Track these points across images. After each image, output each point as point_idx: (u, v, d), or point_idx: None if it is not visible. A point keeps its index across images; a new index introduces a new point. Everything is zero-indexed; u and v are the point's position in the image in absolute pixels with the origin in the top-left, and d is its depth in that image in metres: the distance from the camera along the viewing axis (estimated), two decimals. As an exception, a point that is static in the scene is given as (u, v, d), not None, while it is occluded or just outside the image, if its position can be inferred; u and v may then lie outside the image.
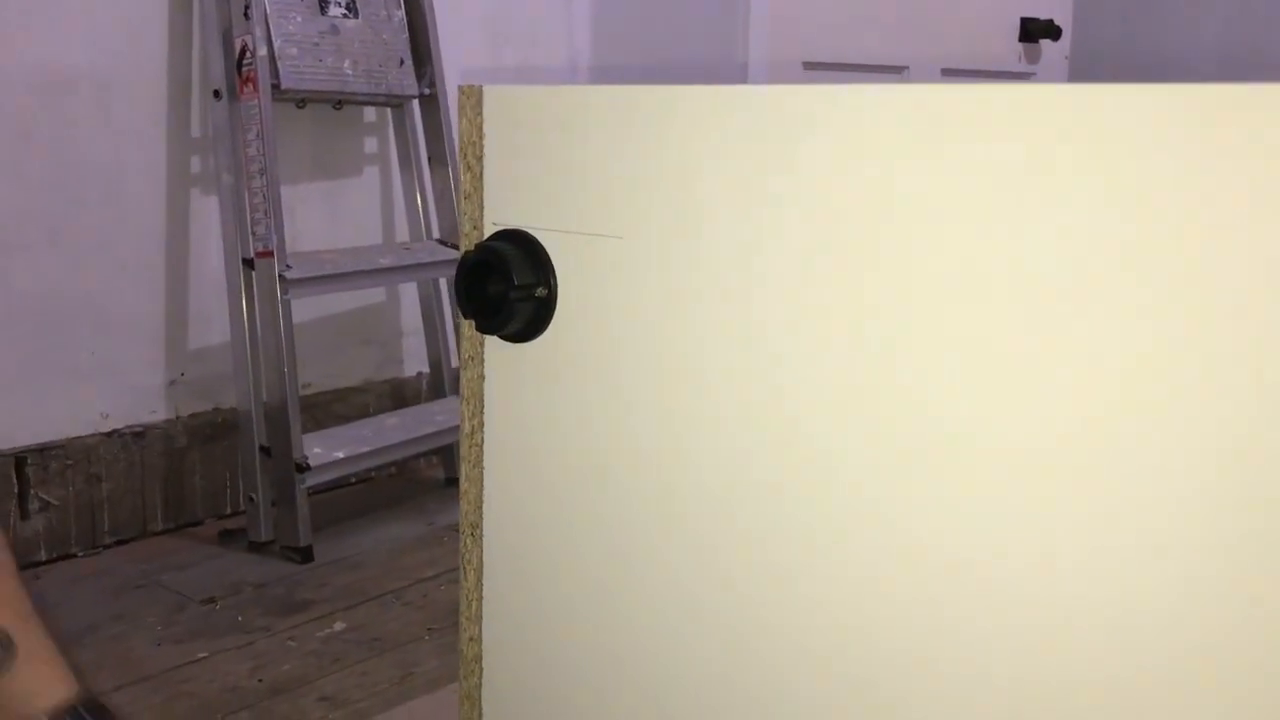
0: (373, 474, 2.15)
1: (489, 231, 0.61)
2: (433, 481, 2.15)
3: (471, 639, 0.69)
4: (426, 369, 2.20)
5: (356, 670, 1.38)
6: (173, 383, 1.87)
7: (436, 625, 1.51)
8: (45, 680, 0.61)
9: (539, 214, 0.59)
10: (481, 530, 0.67)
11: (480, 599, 0.68)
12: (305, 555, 1.75)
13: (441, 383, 2.12)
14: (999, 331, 0.45)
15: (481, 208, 0.61)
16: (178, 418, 1.88)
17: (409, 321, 2.20)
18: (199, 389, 1.90)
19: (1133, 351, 0.42)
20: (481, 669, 0.69)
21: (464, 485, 0.67)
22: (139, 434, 1.82)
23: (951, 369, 0.47)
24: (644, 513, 0.59)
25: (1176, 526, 0.42)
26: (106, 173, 1.75)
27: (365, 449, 1.87)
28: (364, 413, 2.12)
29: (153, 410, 1.85)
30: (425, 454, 2.10)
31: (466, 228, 0.62)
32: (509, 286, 0.57)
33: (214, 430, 1.91)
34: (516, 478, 0.64)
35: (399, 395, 2.22)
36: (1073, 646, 0.45)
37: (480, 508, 0.66)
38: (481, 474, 0.65)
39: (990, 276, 0.45)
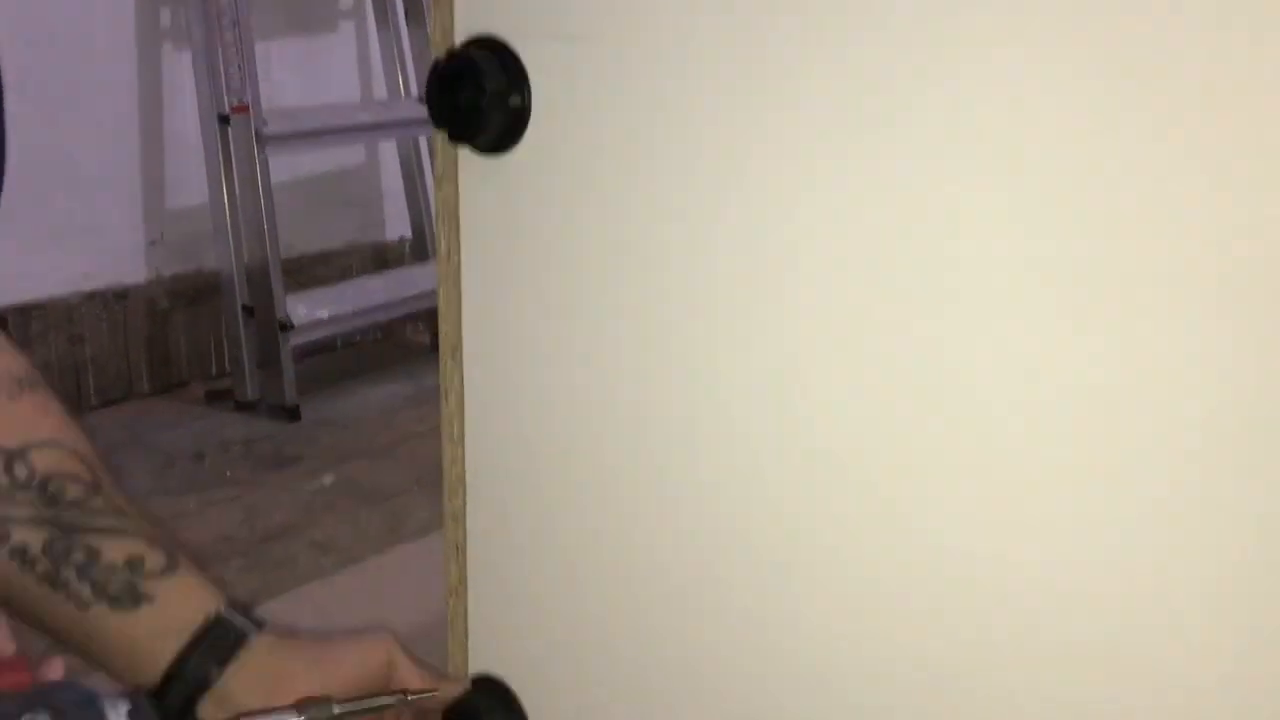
0: (358, 339, 2.16)
1: (460, 40, 0.60)
2: (419, 347, 2.16)
3: (454, 461, 0.70)
4: (409, 233, 2.19)
5: (347, 519, 1.41)
6: (152, 243, 1.86)
7: (426, 478, 1.53)
8: (203, 585, 0.64)
9: (512, 20, 0.58)
10: (461, 352, 0.67)
11: (462, 421, 0.68)
12: (292, 414, 1.77)
13: (424, 246, 2.11)
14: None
15: (452, 15, 0.60)
16: (159, 279, 1.87)
17: (390, 183, 2.18)
18: (179, 250, 1.89)
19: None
20: (465, 489, 0.70)
21: (442, 307, 0.67)
22: (120, 295, 1.82)
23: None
24: (626, 325, 0.59)
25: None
26: (73, 26, 1.71)
27: (348, 309, 1.88)
28: (346, 276, 2.11)
29: (133, 271, 1.84)
30: (410, 319, 2.11)
31: (437, 36, 0.60)
32: (481, 94, 0.56)
33: (196, 292, 1.90)
34: (495, 297, 0.64)
35: (381, 258, 2.21)
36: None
37: (459, 329, 0.66)
38: (459, 294, 0.65)
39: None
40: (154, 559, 0.61)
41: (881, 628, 0.53)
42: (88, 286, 1.78)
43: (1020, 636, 0.49)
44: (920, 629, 0.52)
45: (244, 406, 1.81)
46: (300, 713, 0.59)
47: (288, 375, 1.76)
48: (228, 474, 1.56)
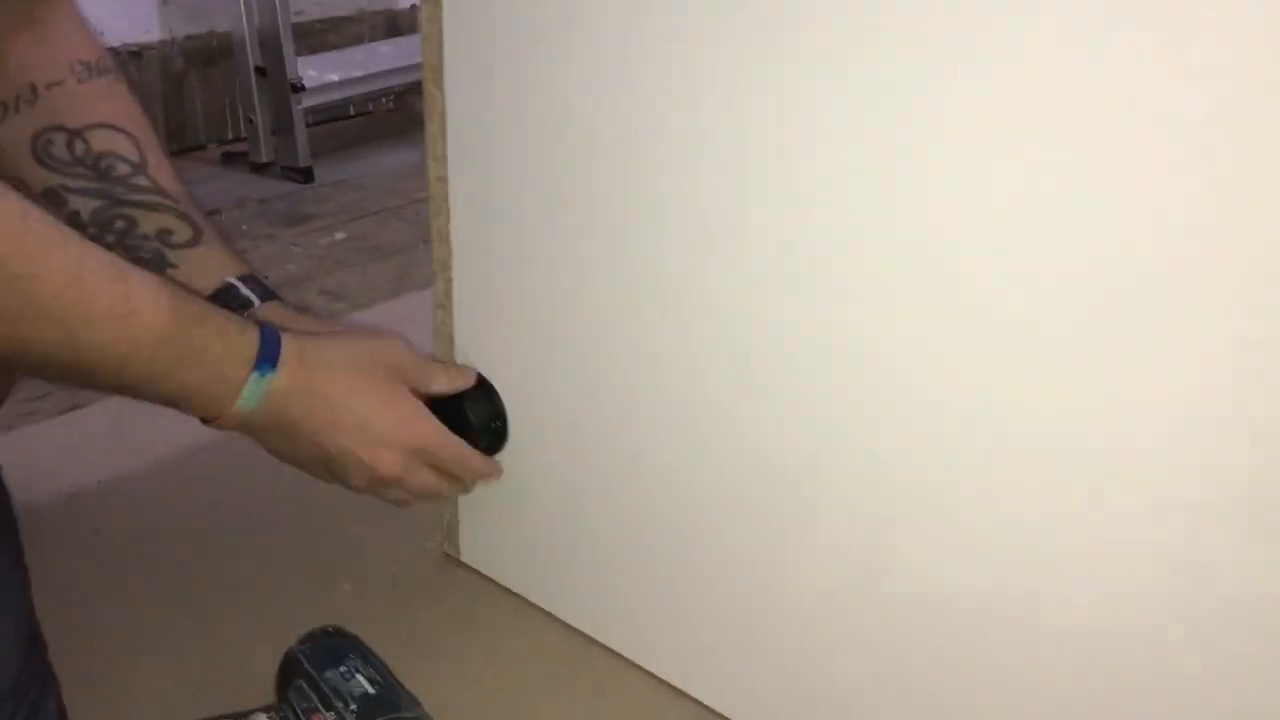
0: (371, 108, 2.18)
1: None
2: (430, 115, 2.18)
3: (439, 179, 0.75)
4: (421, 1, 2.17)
5: (356, 271, 1.48)
6: (165, 2, 1.87)
7: (430, 238, 1.59)
8: (224, 258, 0.74)
9: None
10: (443, 74, 0.71)
11: (444, 141, 0.73)
12: (306, 175, 1.81)
13: (436, 13, 2.10)
14: None
15: None
16: (173, 39, 1.89)
17: (401, -52, 2.17)
18: (191, 10, 1.90)
19: None
20: (449, 209, 0.75)
21: (425, 28, 0.71)
22: (135, 54, 1.84)
23: None
24: (609, 47, 0.63)
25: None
26: None
27: (359, 73, 1.90)
28: (358, 42, 2.12)
29: (147, 30, 1.86)
30: (420, 86, 2.12)
31: None
32: None
33: (210, 53, 1.92)
34: (477, 19, 0.68)
35: (393, 26, 2.21)
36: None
37: (440, 51, 0.71)
38: (441, 14, 0.69)
39: None
40: (182, 232, 0.71)
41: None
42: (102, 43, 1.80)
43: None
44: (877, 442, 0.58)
45: (259, 168, 1.86)
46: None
47: (300, 137, 1.80)
48: (244, 228, 1.62)
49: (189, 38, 1.91)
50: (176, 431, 0.99)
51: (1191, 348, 0.46)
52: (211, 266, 0.72)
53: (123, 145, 0.72)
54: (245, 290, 0.72)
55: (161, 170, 0.73)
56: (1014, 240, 0.50)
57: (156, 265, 0.70)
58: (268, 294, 0.73)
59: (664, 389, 0.67)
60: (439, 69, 0.71)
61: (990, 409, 0.53)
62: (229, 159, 1.91)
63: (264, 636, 0.77)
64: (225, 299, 0.71)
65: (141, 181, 0.72)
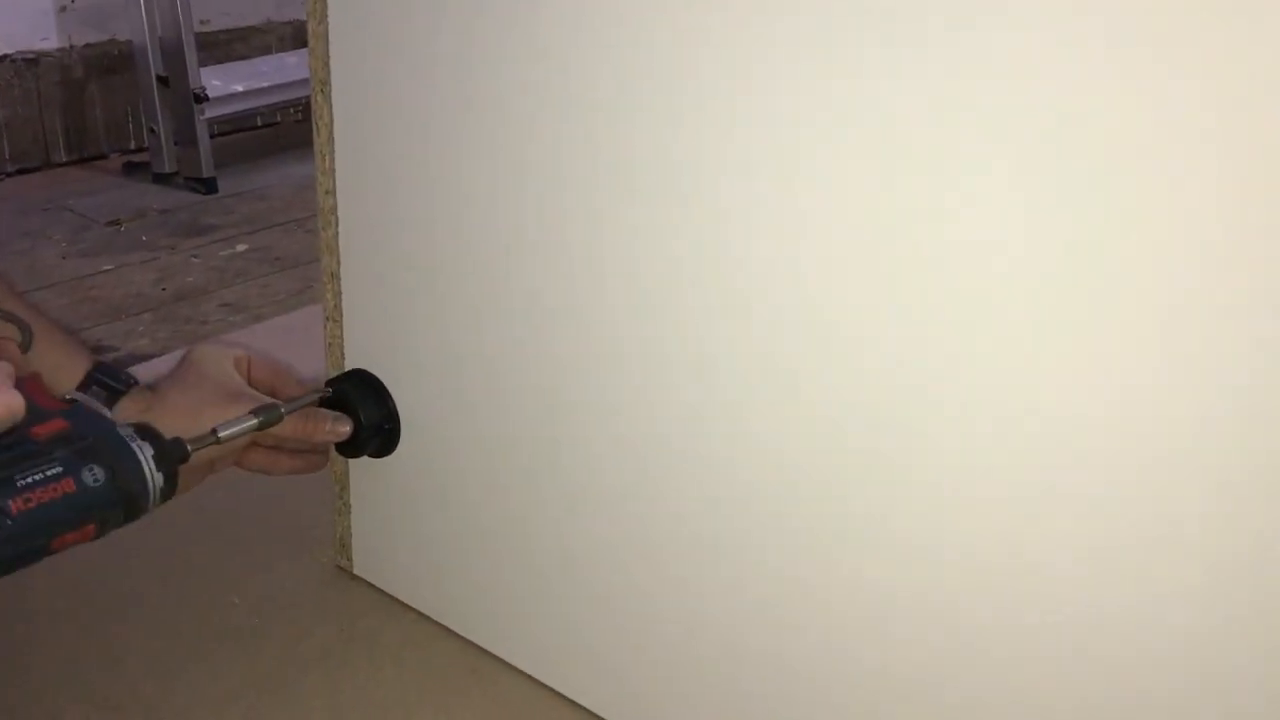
0: (278, 119, 2.16)
1: None
2: (339, 126, 2.17)
3: (327, 192, 0.75)
4: (330, 11, 2.16)
5: (258, 283, 1.46)
6: (63, 9, 1.84)
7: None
8: (64, 357, 0.67)
9: None
10: (330, 87, 0.71)
11: (333, 154, 0.74)
12: (209, 186, 1.79)
13: (344, 24, 2.09)
14: None
15: None
16: (71, 47, 1.86)
17: (309, -41, 2.15)
18: (91, 18, 1.87)
19: None
20: (337, 219, 0.75)
21: (311, 43, 0.71)
22: (32, 60, 1.80)
23: None
24: (487, 55, 0.63)
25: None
26: None
27: (266, 84, 1.88)
28: (266, 52, 2.10)
29: (44, 38, 1.82)
30: (330, 97, 2.10)
31: None
32: None
33: (110, 61, 1.89)
34: (365, 33, 0.68)
35: (301, 37, 2.18)
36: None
37: (327, 64, 0.71)
38: (327, 30, 0.70)
39: None
40: (8, 334, 0.63)
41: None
42: (-2, 50, 1.77)
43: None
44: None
45: (161, 178, 1.83)
46: (255, 415, 0.68)
47: (204, 147, 1.78)
48: (143, 239, 1.59)
49: (89, 45, 1.88)
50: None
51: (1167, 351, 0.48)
52: (57, 369, 0.67)
53: None
54: (90, 400, 0.63)
55: None
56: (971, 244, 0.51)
57: None
58: (119, 384, 0.68)
59: (557, 397, 0.67)
60: (326, 82, 0.71)
61: (923, 426, 0.54)
62: (131, 169, 1.88)
63: (148, 648, 0.77)
64: (102, 380, 0.67)
65: None
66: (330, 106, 0.72)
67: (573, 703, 0.74)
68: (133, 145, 1.95)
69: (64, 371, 0.67)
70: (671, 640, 0.67)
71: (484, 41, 0.62)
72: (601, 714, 0.73)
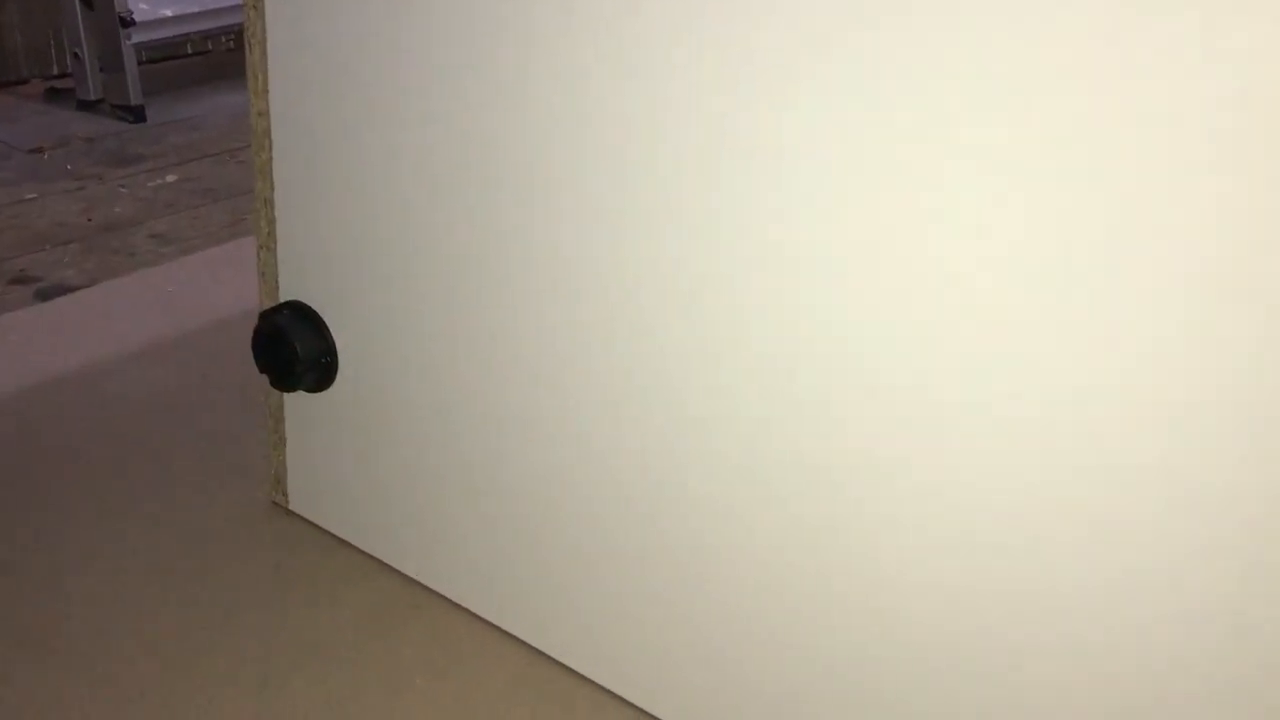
0: (209, 46, 2.09)
1: None
2: (273, 55, 2.10)
3: (260, 113, 0.72)
4: (263, -66, 2.09)
5: (188, 214, 1.42)
6: (-22, -75, 1.75)
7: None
8: None
9: None
10: (263, 2, 0.68)
11: (265, 74, 0.71)
12: (137, 115, 1.73)
13: (278, -51, 2.02)
14: None
15: None
16: (-12, -35, 1.78)
17: (241, -121, 2.07)
18: (10, -65, 1.79)
19: None
20: (270, 143, 0.72)
21: (243, -46, 0.67)
22: (-54, -21, 1.72)
23: None
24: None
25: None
26: None
27: (196, 9, 1.81)
28: (196, -23, 2.03)
29: (-41, -46, 1.74)
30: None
31: None
32: None
33: (31, -18, 1.81)
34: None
35: (234, -38, 2.12)
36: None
37: (259, -23, 0.68)
38: (258, -59, 0.66)
39: None
40: None
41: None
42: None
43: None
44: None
45: (87, 105, 1.77)
46: None
47: (131, 74, 1.72)
48: (68, 168, 1.54)
49: (6, -36, 1.79)
50: (3, 372, 0.94)
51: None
52: None
53: None
54: None
55: None
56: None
57: None
58: None
59: (499, 326, 0.66)
60: (258, -4, 0.68)
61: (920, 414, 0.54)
62: (54, 95, 1.81)
63: (79, 587, 0.75)
64: None
65: None
66: (264, 22, 0.69)
67: (513, 637, 0.73)
68: (55, 70, 1.88)
69: None
70: (614, 571, 0.66)
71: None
72: (542, 649, 0.73)
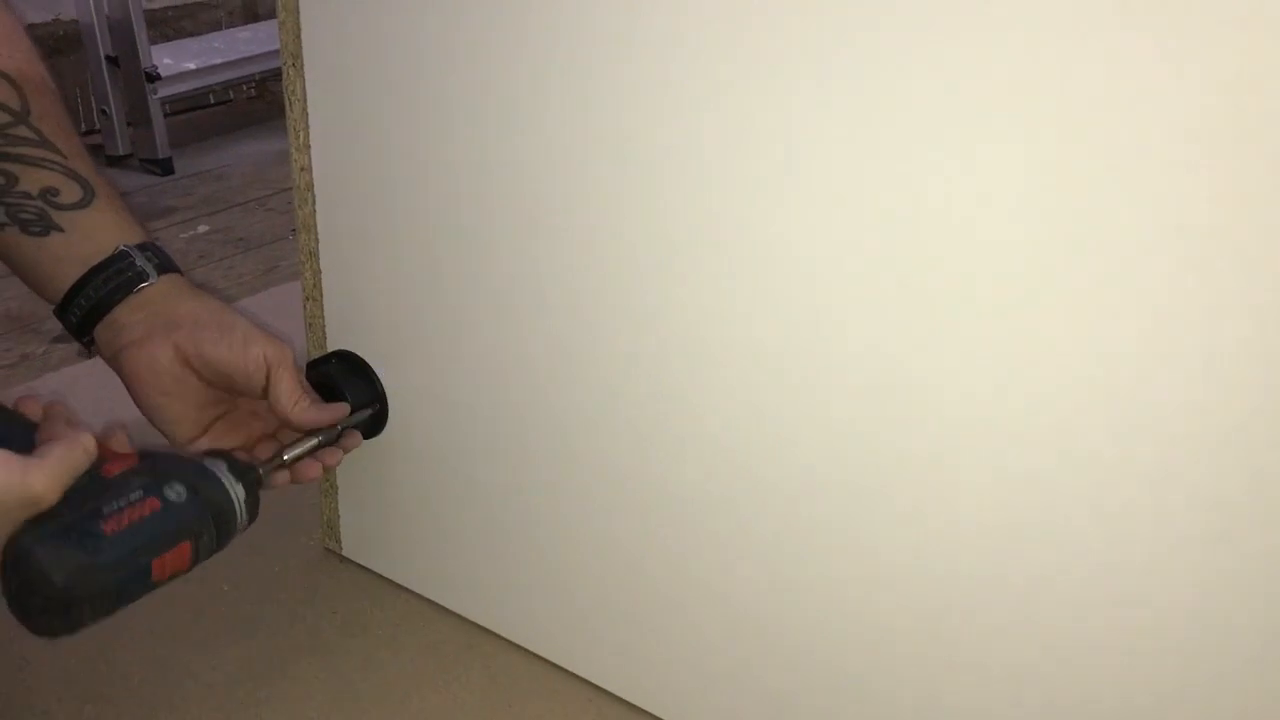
0: (231, 96, 2.12)
1: None
2: (294, 102, 2.13)
3: (303, 168, 0.73)
4: (279, -16, 2.12)
5: (221, 265, 1.44)
6: (4, -11, 1.78)
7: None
8: (118, 223, 0.67)
9: None
10: (302, 60, 0.70)
11: (307, 129, 0.72)
12: (165, 168, 1.75)
13: (295, -3, 2.05)
14: None
15: None
16: (15, 28, 1.81)
17: (256, -69, 2.11)
18: (34, -3, 1.82)
19: None
20: (314, 195, 0.74)
21: (281, 16, 0.69)
22: (-25, 44, 1.75)
23: None
24: (468, 25, 0.62)
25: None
26: None
27: (218, 60, 1.84)
28: (215, 28, 2.06)
29: (-13, 19, 1.77)
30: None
31: None
32: None
33: (57, 42, 1.84)
34: (337, 2, 0.67)
35: (251, 12, 2.15)
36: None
37: (299, 37, 0.69)
38: (298, 2, 0.68)
39: None
40: (70, 191, 0.65)
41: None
42: (-61, 33, 1.71)
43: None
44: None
45: (115, 161, 1.79)
46: (315, 436, 0.67)
47: (158, 128, 1.74)
48: (101, 224, 1.56)
49: (33, 26, 1.82)
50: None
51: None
52: (103, 232, 0.66)
53: (1, 91, 0.64)
54: (140, 260, 0.66)
55: (48, 119, 0.66)
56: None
57: (41, 228, 0.64)
58: (166, 265, 0.68)
59: (548, 369, 0.66)
60: (298, 54, 0.70)
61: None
62: (82, 152, 1.84)
63: (139, 640, 0.75)
64: (118, 267, 0.65)
65: (22, 132, 0.64)
66: (303, 80, 0.70)
67: (571, 674, 0.74)
68: (83, 128, 1.90)
69: (120, 232, 0.67)
70: (667, 606, 0.67)
71: (467, 3, 0.60)
72: (600, 684, 0.73)
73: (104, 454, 0.54)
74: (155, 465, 0.56)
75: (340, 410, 0.71)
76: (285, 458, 0.66)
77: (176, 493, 0.54)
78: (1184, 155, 0.43)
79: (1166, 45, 0.42)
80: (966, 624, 0.55)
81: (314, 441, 0.68)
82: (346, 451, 0.72)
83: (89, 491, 0.52)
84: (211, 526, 0.56)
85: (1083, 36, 0.43)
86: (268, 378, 0.67)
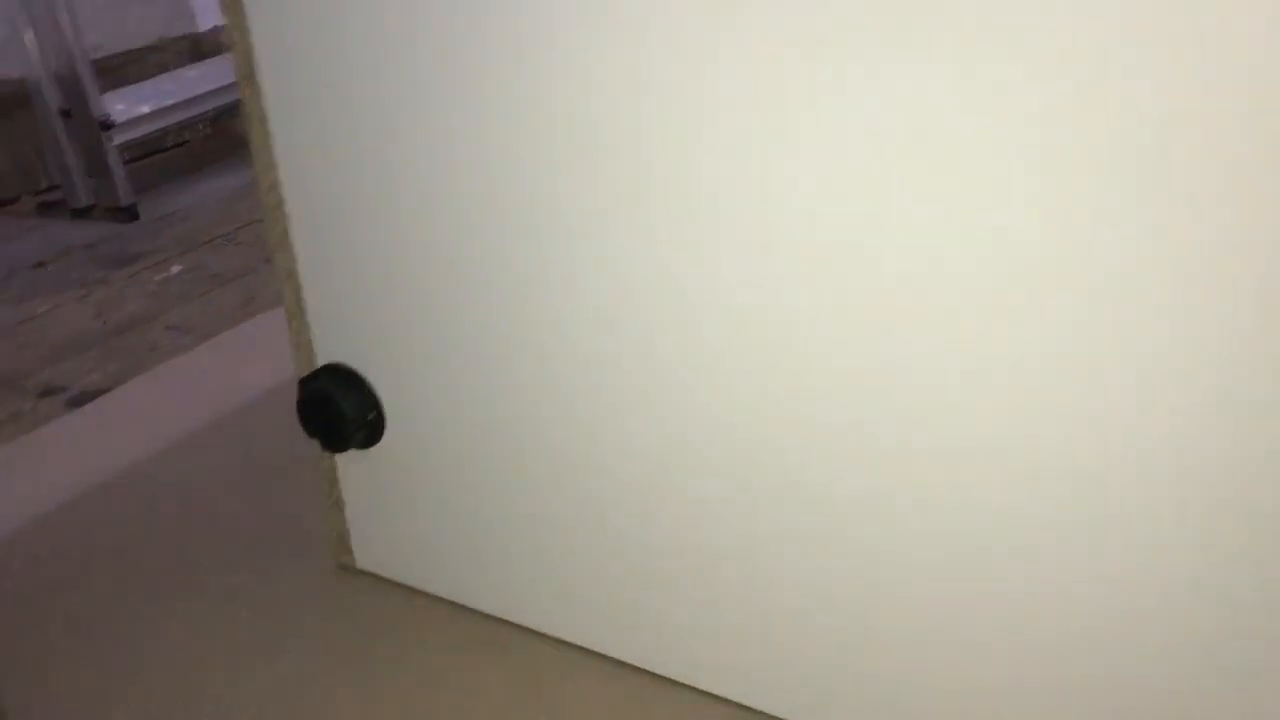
0: (187, 138, 2.11)
1: None
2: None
3: (271, 187, 0.74)
4: (222, 20, 2.11)
5: (199, 302, 1.43)
6: (-53, 55, 1.77)
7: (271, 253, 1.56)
8: None
9: None
10: (257, 80, 0.70)
11: (270, 148, 0.72)
12: (130, 214, 1.75)
13: (239, 30, 2.04)
14: None
15: None
16: (-38, 93, 1.80)
17: (192, -31, 2.10)
18: (-22, 60, 1.81)
19: None
20: (285, 215, 0.74)
21: (234, 36, 0.69)
22: (-76, 113, 1.74)
23: None
24: (421, 29, 0.62)
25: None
26: None
27: (171, 102, 1.83)
28: (162, 71, 2.05)
29: (-67, 87, 1.76)
30: (237, 108, 2.06)
31: None
32: None
33: (5, 102, 1.83)
34: (287, 16, 0.67)
35: (198, 51, 2.14)
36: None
37: (250, 57, 0.69)
38: (246, 21, 0.68)
39: None
40: None
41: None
42: (-114, 106, 1.71)
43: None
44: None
45: (80, 213, 1.79)
46: None
47: (118, 175, 1.74)
48: (73, 276, 1.55)
49: (-20, 89, 1.81)
50: (56, 483, 0.96)
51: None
52: None
53: None
54: None
55: None
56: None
57: None
58: None
59: (539, 363, 0.67)
60: (252, 75, 0.70)
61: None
62: (46, 208, 1.83)
63: (164, 672, 0.76)
64: None
65: None
66: (260, 99, 0.70)
67: (595, 654, 0.74)
68: (43, 184, 1.90)
69: None
70: (683, 582, 0.67)
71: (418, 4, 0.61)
72: (628, 661, 0.74)
73: None
74: None
75: None
76: None
77: None
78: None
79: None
80: (977, 585, 0.56)
81: None
82: None
83: None
84: None
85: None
86: None
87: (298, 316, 0.78)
